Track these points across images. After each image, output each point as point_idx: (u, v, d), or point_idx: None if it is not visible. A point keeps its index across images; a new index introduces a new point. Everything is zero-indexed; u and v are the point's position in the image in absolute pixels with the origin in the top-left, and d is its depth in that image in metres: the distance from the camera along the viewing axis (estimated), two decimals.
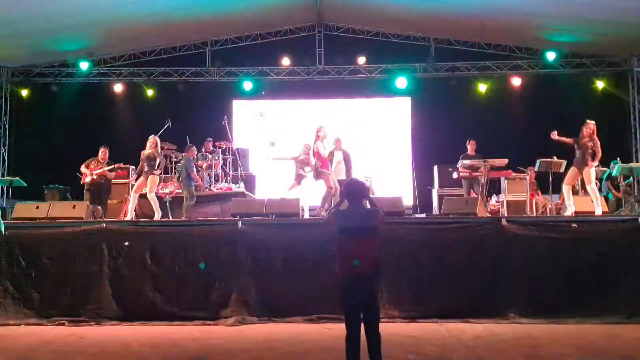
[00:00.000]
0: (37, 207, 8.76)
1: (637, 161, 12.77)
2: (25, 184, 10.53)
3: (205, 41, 13.97)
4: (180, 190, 10.34)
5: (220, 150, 12.24)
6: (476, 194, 10.20)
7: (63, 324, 7.10)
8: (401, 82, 13.95)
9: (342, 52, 14.02)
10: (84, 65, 13.65)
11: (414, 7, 12.30)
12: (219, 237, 7.54)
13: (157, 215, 9.19)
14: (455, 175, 10.78)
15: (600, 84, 13.49)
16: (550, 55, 13.40)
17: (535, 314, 6.98)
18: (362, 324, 4.39)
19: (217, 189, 11.52)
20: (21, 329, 7.02)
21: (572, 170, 8.65)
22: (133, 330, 6.87)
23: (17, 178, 10.54)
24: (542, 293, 7.12)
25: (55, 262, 7.45)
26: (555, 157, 9.73)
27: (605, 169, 10.51)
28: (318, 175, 9.51)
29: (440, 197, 11.06)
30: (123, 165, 10.99)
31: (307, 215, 9.43)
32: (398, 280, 7.02)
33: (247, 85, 14.13)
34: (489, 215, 9.35)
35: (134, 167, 11.08)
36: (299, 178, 9.85)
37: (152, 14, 11.66)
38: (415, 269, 7.23)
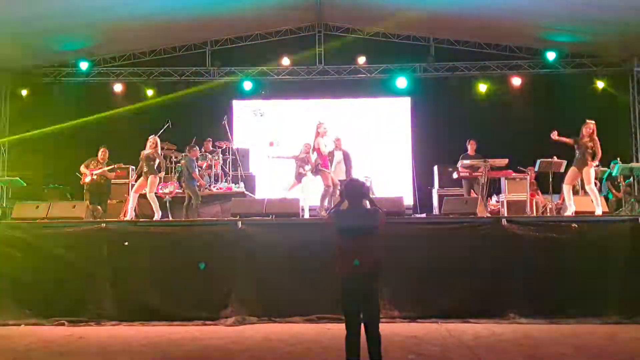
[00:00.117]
0: (37, 207, 8.76)
1: (637, 161, 12.77)
2: (25, 184, 10.56)
3: (205, 41, 13.96)
4: (181, 190, 10.34)
5: (220, 150, 12.25)
6: (476, 194, 10.20)
7: (63, 324, 7.11)
8: (401, 82, 13.95)
9: (342, 52, 14.01)
10: (84, 65, 13.66)
11: (414, 7, 12.29)
12: (219, 237, 7.54)
13: (157, 215, 9.19)
14: (455, 175, 10.78)
15: (600, 84, 13.49)
16: (550, 55, 13.39)
17: (535, 314, 6.98)
18: (362, 324, 4.39)
19: (217, 189, 11.52)
20: (21, 329, 7.03)
21: (572, 170, 8.65)
22: (133, 330, 6.88)
23: (17, 178, 10.56)
24: (542, 293, 7.12)
25: (55, 262, 7.45)
26: (555, 157, 9.73)
27: (605, 169, 10.51)
28: (317, 171, 9.51)
29: (440, 197, 11.06)
30: (123, 165, 10.99)
31: (307, 215, 9.43)
32: (398, 280, 7.01)
33: (247, 85, 14.12)
34: (489, 215, 9.35)
35: (133, 167, 11.08)
36: (299, 177, 9.83)
37: (152, 14, 11.65)
38: (415, 269, 7.23)
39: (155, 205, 9.23)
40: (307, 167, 9.83)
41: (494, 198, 11.17)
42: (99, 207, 9.89)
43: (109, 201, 10.70)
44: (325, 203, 9.37)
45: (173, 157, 11.92)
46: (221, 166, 12.13)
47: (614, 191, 11.08)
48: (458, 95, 13.89)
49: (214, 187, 11.58)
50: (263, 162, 12.75)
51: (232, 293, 7.27)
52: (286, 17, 13.41)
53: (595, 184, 8.98)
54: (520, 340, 6.10)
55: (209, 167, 11.79)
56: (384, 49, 13.87)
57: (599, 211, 8.36)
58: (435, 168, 12.04)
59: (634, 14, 10.68)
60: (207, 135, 12.35)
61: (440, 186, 11.80)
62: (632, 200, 9.51)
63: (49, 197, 10.99)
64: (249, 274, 7.34)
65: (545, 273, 7.20)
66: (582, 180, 8.82)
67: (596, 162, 8.54)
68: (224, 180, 12.00)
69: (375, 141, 14.07)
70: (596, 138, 8.50)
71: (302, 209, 9.33)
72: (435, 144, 13.31)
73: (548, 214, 10.18)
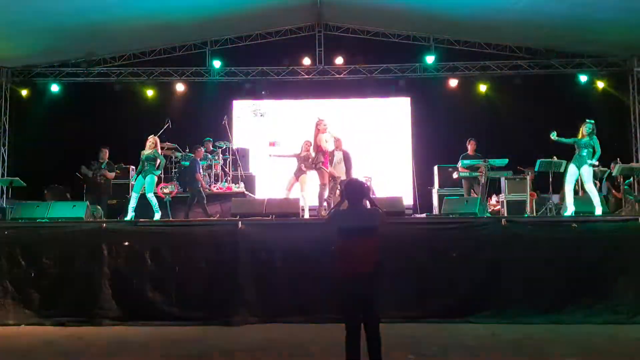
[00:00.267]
0: (37, 207, 8.75)
1: (637, 161, 12.77)
2: (25, 184, 10.56)
3: (205, 41, 13.97)
4: (182, 190, 10.34)
5: (220, 150, 12.26)
6: (476, 194, 10.20)
7: (63, 324, 7.09)
8: (401, 82, 13.95)
9: (342, 52, 14.02)
10: (84, 65, 13.65)
11: (414, 7, 12.30)
12: (219, 237, 7.54)
13: (157, 215, 9.20)
14: (455, 175, 10.78)
15: (600, 84, 13.49)
16: (549, 55, 13.40)
17: (536, 314, 6.97)
18: (362, 325, 4.39)
19: (217, 189, 11.53)
20: (21, 329, 7.02)
21: (571, 168, 8.65)
22: (133, 330, 6.87)
23: (17, 178, 10.57)
24: (542, 293, 7.11)
25: (55, 262, 7.44)
26: (555, 157, 9.74)
27: (605, 169, 10.52)
28: (315, 168, 9.49)
29: (440, 197, 11.07)
30: (123, 165, 11.00)
31: (307, 215, 9.42)
32: (398, 280, 6.99)
33: (247, 85, 14.12)
34: (489, 215, 9.35)
35: (133, 167, 11.09)
36: (299, 174, 9.80)
37: (152, 14, 11.66)
38: (415, 269, 7.22)
39: (155, 205, 9.23)
40: (307, 165, 9.80)
41: (494, 198, 11.17)
42: (99, 207, 9.90)
43: (109, 201, 10.70)
44: (324, 202, 9.35)
45: (173, 157, 11.92)
46: (221, 166, 12.14)
47: (613, 191, 11.08)
48: (458, 95, 13.90)
49: (214, 187, 11.58)
50: (263, 162, 12.75)
51: (232, 293, 7.25)
52: (286, 17, 13.42)
53: (595, 184, 8.98)
54: (520, 340, 6.10)
55: (209, 167, 11.80)
56: (384, 49, 13.87)
57: (598, 211, 8.36)
58: (435, 168, 12.05)
59: (634, 14, 10.68)
60: (207, 135, 12.36)
61: (440, 186, 11.80)
62: (631, 197, 9.51)
63: (49, 197, 10.99)
64: (249, 274, 7.32)
65: (545, 273, 7.18)
66: (581, 180, 8.83)
67: (596, 162, 8.54)
68: (224, 180, 12.01)
69: (375, 141, 14.08)
70: (596, 138, 8.51)
71: (302, 209, 9.33)
72: (435, 144, 13.31)
73: (548, 214, 10.18)
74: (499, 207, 10.90)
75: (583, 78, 13.54)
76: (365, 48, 14.03)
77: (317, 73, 14.13)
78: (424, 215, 11.58)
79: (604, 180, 10.98)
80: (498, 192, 11.11)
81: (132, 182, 10.46)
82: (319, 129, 9.54)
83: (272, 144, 13.26)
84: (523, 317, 6.94)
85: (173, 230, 7.76)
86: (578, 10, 10.98)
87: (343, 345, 4.38)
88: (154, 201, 9.25)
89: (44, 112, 13.75)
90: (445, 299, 7.14)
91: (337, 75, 14.18)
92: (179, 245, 7.50)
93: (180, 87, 14.08)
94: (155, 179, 9.47)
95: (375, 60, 14.03)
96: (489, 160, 9.88)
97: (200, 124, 13.30)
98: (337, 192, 9.43)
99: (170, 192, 10.43)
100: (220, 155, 12.23)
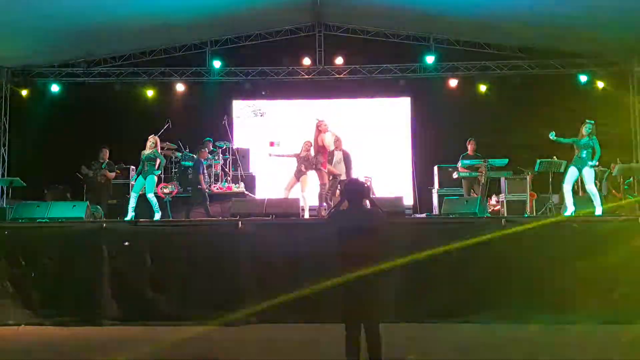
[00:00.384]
0: (37, 207, 8.76)
1: (637, 161, 12.76)
2: (25, 184, 10.56)
3: (205, 41, 13.95)
4: (182, 190, 10.34)
5: (220, 150, 12.26)
6: (476, 194, 10.20)
7: (63, 324, 7.09)
8: (401, 82, 13.95)
9: (342, 52, 14.01)
10: (84, 65, 13.65)
11: (414, 7, 12.30)
12: (219, 237, 7.54)
13: (157, 215, 9.20)
14: (455, 175, 10.78)
15: (600, 84, 13.48)
16: (549, 55, 13.39)
17: (536, 314, 6.96)
18: (362, 325, 4.39)
19: (217, 189, 11.53)
20: (21, 329, 7.02)
21: (572, 170, 8.66)
22: (133, 330, 6.87)
23: (17, 178, 10.58)
24: (542, 293, 7.11)
25: (55, 262, 7.45)
26: (555, 157, 9.73)
27: (605, 169, 10.51)
28: (315, 169, 9.51)
29: (440, 197, 11.07)
30: (124, 165, 11.00)
31: (307, 215, 9.42)
32: (398, 280, 7.00)
33: (247, 85, 14.12)
34: (489, 215, 9.35)
35: (133, 167, 11.08)
36: (298, 174, 9.81)
37: (152, 14, 11.65)
38: (415, 269, 7.21)
39: (155, 205, 9.23)
40: (307, 165, 9.81)
41: (494, 198, 11.17)
42: (99, 207, 9.90)
43: (109, 201, 10.70)
44: (324, 203, 9.36)
45: (173, 157, 11.92)
46: (221, 166, 12.14)
47: (613, 191, 11.08)
48: (458, 95, 13.88)
49: (214, 187, 11.59)
50: (263, 162, 12.74)
51: (232, 293, 7.26)
52: (286, 17, 13.41)
53: (596, 184, 8.98)
54: (520, 340, 6.10)
55: (209, 167, 11.81)
56: (384, 49, 13.85)
57: (599, 211, 8.36)
58: (435, 168, 12.05)
59: (634, 14, 10.68)
60: (207, 135, 12.36)
61: (440, 186, 11.80)
62: (631, 197, 9.51)
63: (49, 197, 11.00)
64: (249, 274, 7.33)
65: (545, 273, 7.19)
66: (581, 180, 8.83)
67: (596, 162, 8.55)
68: (224, 180, 12.02)
69: (375, 141, 14.06)
70: (595, 138, 8.51)
71: (302, 209, 9.33)
72: (435, 144, 13.29)
73: (548, 214, 10.18)
74: (499, 207, 10.89)
75: (583, 78, 13.50)
76: (365, 48, 14.01)
77: (317, 73, 14.11)
78: (424, 215, 11.58)
79: (604, 180, 10.97)
80: (498, 192, 11.11)
81: (132, 182, 10.46)
82: (320, 129, 9.55)
83: (272, 144, 13.25)
84: (523, 317, 6.94)
85: (173, 230, 7.77)
86: (578, 10, 10.98)
87: (343, 346, 4.38)
88: (154, 201, 9.26)
89: (44, 112, 13.73)
90: (445, 299, 7.14)
91: (337, 76, 14.16)
92: (179, 245, 7.51)
93: (180, 87, 14.06)
94: (155, 179, 9.47)
95: (375, 60, 14.00)
96: (489, 160, 9.88)
97: (200, 124, 13.29)
98: (337, 192, 9.43)
99: (170, 192, 10.44)
100: (221, 155, 12.23)
